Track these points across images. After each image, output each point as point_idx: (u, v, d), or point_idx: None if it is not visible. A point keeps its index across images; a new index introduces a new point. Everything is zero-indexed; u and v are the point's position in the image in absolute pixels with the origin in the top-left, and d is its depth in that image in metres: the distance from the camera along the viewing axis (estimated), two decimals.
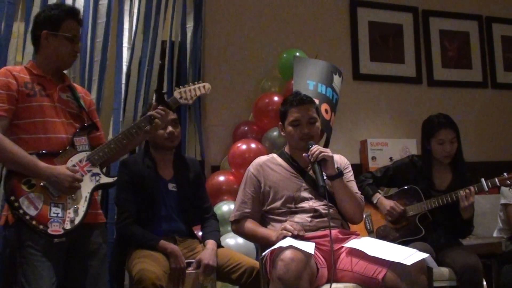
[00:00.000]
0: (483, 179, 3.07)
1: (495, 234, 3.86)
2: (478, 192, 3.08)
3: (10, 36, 3.58)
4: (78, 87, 2.76)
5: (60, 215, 2.33)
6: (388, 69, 4.93)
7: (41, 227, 2.28)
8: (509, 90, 5.30)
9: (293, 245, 2.26)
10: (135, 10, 3.95)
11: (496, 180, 3.06)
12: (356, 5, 4.89)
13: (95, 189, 2.50)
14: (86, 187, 2.45)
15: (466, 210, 3.07)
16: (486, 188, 3.05)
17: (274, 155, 2.88)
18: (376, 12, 4.95)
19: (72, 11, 2.56)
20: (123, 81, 3.83)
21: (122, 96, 3.84)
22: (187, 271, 2.80)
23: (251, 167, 2.82)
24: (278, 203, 2.69)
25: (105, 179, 2.53)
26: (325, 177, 2.58)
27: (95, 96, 3.71)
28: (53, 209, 2.33)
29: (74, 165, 2.44)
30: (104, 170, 2.59)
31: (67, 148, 2.46)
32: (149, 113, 2.64)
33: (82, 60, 3.72)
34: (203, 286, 2.81)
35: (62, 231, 2.31)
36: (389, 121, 4.88)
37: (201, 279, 2.78)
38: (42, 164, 2.34)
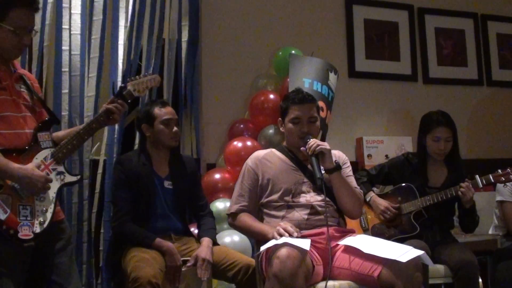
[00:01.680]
0: (477, 176, 3.08)
1: (490, 231, 3.87)
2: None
3: None
4: (26, 73, 2.57)
5: (29, 217, 2.22)
6: (383, 66, 4.93)
7: (11, 231, 2.16)
8: (504, 88, 5.32)
9: (289, 242, 2.26)
10: (130, 7, 3.94)
11: (491, 176, 3.07)
12: (352, 3, 4.88)
13: (61, 188, 2.40)
14: (53, 186, 2.34)
15: (468, 201, 3.08)
16: (481, 185, 3.07)
17: (273, 149, 2.88)
18: (371, 10, 4.95)
19: (22, 0, 2.27)
20: (119, 78, 3.82)
21: None
22: (183, 269, 2.80)
23: (249, 161, 2.83)
24: (275, 196, 2.69)
25: (69, 178, 2.43)
26: (323, 171, 2.58)
27: (93, 93, 3.70)
28: (22, 212, 2.22)
29: (39, 164, 2.32)
30: (67, 166, 2.49)
31: (31, 144, 2.33)
32: (105, 106, 2.51)
33: (80, 57, 3.71)
34: (201, 281, 2.81)
35: (32, 235, 2.21)
36: (384, 119, 4.89)
37: (200, 273, 2.76)
38: (13, 164, 2.21)
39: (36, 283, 2.40)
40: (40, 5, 2.47)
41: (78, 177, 2.52)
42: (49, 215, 2.30)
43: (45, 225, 2.27)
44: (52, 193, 2.34)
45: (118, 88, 2.61)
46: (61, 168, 2.40)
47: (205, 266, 2.78)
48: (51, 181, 2.31)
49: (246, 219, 2.70)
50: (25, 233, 2.20)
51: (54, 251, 2.41)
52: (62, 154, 2.40)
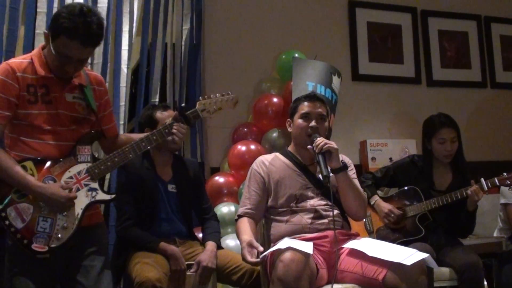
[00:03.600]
0: (482, 179, 3.08)
1: (495, 234, 3.86)
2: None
3: (15, 41, 3.51)
4: (92, 75, 2.49)
5: (47, 230, 2.18)
6: (387, 69, 4.93)
7: (25, 241, 2.15)
8: (508, 90, 5.31)
9: (292, 246, 2.26)
10: (135, 12, 3.96)
11: (496, 180, 3.07)
12: (355, 6, 4.89)
13: (89, 205, 2.31)
14: (80, 203, 2.27)
15: (474, 203, 3.07)
16: (486, 188, 3.06)
17: (277, 154, 2.88)
18: (374, 13, 4.95)
19: (74, 31, 2.15)
20: (122, 84, 3.83)
21: (124, 98, 3.84)
22: (187, 273, 2.79)
23: (254, 165, 2.83)
24: (280, 201, 2.70)
25: (102, 196, 2.35)
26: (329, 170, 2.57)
27: None
28: (41, 223, 2.18)
29: (71, 177, 2.28)
30: (104, 184, 2.43)
31: (67, 157, 2.29)
32: (166, 127, 2.45)
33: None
34: (205, 286, 2.81)
35: (46, 248, 2.17)
36: (388, 122, 4.88)
37: (199, 280, 2.77)
38: (32, 182, 2.17)
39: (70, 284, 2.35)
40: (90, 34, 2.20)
41: (113, 196, 2.43)
42: (70, 231, 2.24)
43: (62, 241, 2.21)
44: (78, 209, 2.27)
45: (179, 108, 2.51)
46: (94, 185, 2.32)
47: (206, 275, 2.78)
48: (74, 198, 2.24)
49: (240, 225, 2.67)
50: (39, 245, 2.16)
51: (85, 254, 2.34)
52: (99, 170, 2.34)
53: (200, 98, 2.56)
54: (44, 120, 2.26)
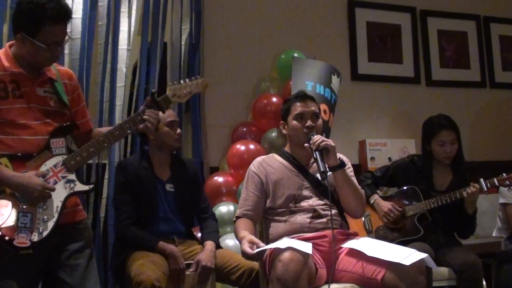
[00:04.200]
0: (482, 179, 3.08)
1: (494, 234, 3.86)
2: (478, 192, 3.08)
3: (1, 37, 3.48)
4: (62, 70, 2.47)
5: (28, 225, 2.15)
6: (386, 69, 4.93)
7: (7, 238, 2.10)
8: (507, 90, 5.31)
9: (291, 246, 2.26)
10: (133, 12, 3.96)
11: (495, 180, 3.07)
12: (354, 6, 4.89)
13: (68, 197, 2.27)
14: (59, 195, 2.24)
15: (472, 204, 3.07)
16: (485, 188, 3.06)
17: (274, 155, 2.88)
18: (374, 13, 4.95)
19: (57, 15, 2.19)
20: (120, 83, 3.83)
21: (122, 98, 3.84)
22: (186, 273, 2.79)
23: (252, 166, 2.82)
24: (278, 202, 2.69)
25: (80, 187, 2.30)
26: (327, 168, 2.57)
27: (98, 99, 3.71)
28: (21, 219, 2.15)
29: (47, 170, 2.25)
30: (80, 174, 2.39)
31: (42, 151, 2.26)
32: (138, 114, 2.41)
33: (83, 62, 3.72)
34: (204, 286, 2.81)
35: (28, 243, 2.13)
36: (387, 122, 4.89)
37: (198, 280, 2.77)
38: (7, 172, 2.15)
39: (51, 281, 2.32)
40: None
41: (91, 186, 2.39)
42: (51, 224, 2.20)
43: (44, 234, 2.18)
44: (57, 201, 2.24)
45: (150, 93, 2.47)
46: (72, 176, 2.30)
47: (205, 274, 2.78)
48: (51, 189, 2.21)
49: (239, 225, 2.66)
50: (21, 240, 2.13)
51: (69, 252, 2.31)
52: (75, 161, 2.31)
53: (170, 83, 2.55)
54: (17, 114, 2.23)
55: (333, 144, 2.59)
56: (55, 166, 2.27)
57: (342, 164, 2.62)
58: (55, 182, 2.25)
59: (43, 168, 2.25)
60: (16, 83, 2.26)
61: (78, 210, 2.43)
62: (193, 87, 2.56)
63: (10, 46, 2.32)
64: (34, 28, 2.19)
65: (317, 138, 2.59)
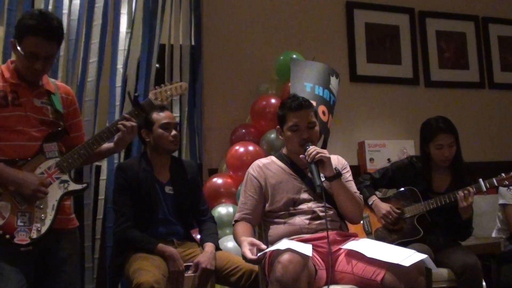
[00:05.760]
0: (481, 180, 3.07)
1: (493, 235, 3.86)
2: (477, 193, 3.08)
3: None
4: (61, 86, 2.65)
5: (27, 224, 2.31)
6: (385, 70, 4.93)
7: (7, 236, 2.26)
8: (506, 90, 5.31)
9: (291, 247, 2.26)
10: (132, 13, 3.96)
11: (494, 180, 3.06)
12: (353, 7, 4.90)
13: (63, 196, 2.44)
14: (54, 195, 2.41)
15: (465, 210, 3.07)
16: (484, 189, 3.05)
17: (273, 158, 2.87)
18: (372, 14, 4.96)
19: (36, 28, 2.33)
20: (118, 84, 3.83)
21: (120, 99, 3.84)
22: (186, 275, 2.79)
23: (251, 169, 2.82)
24: (278, 205, 2.69)
25: (73, 186, 2.47)
26: (323, 179, 2.57)
27: (93, 97, 3.71)
28: (20, 218, 2.31)
29: (42, 173, 2.40)
30: (73, 176, 2.56)
31: (36, 155, 2.41)
32: (113, 124, 2.57)
33: (78, 61, 3.73)
34: None
35: (28, 240, 2.29)
36: (386, 123, 4.89)
37: (198, 282, 2.76)
38: (7, 168, 2.31)
39: None
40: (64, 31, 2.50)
41: (84, 185, 2.55)
42: (48, 221, 2.36)
43: (42, 232, 2.33)
44: (53, 200, 2.39)
45: (133, 97, 2.63)
46: (65, 177, 2.46)
47: (205, 276, 2.78)
48: (46, 185, 2.36)
49: (238, 229, 2.66)
50: (21, 238, 2.28)
51: (57, 260, 2.46)
52: (67, 163, 2.46)
53: (152, 88, 2.74)
54: (15, 121, 2.39)
55: (328, 155, 2.58)
56: (49, 168, 2.43)
57: (337, 175, 2.62)
58: (50, 183, 2.41)
59: (38, 171, 2.40)
60: (15, 93, 2.42)
61: (71, 218, 2.59)
62: (173, 90, 2.72)
63: (11, 62, 2.51)
64: (19, 35, 2.37)
65: (312, 150, 2.57)
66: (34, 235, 2.31)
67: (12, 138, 2.37)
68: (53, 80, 2.63)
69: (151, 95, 2.65)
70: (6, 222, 2.27)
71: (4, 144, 2.36)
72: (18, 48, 2.37)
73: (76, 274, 2.58)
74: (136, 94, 2.66)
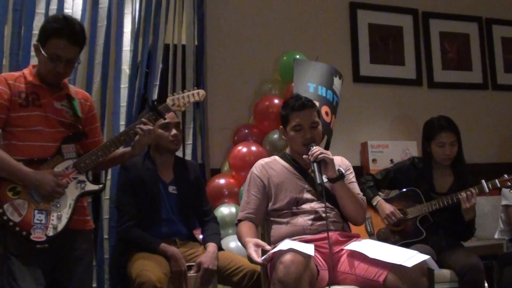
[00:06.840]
0: (483, 181, 3.07)
1: (496, 236, 3.86)
2: (479, 194, 3.08)
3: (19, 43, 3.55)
4: (79, 92, 2.76)
5: (43, 221, 2.37)
6: (388, 71, 4.93)
7: (24, 233, 2.32)
8: (509, 92, 5.30)
9: (293, 247, 2.26)
10: (136, 13, 3.96)
11: (497, 181, 3.06)
12: (356, 7, 4.89)
13: (80, 196, 2.52)
14: (71, 194, 2.48)
15: (468, 211, 3.07)
16: (487, 190, 3.06)
17: (276, 157, 2.88)
18: (376, 14, 4.95)
19: (60, 31, 2.44)
20: (122, 85, 3.83)
21: (126, 100, 3.83)
22: (189, 275, 2.79)
23: (254, 169, 2.82)
24: (280, 204, 2.70)
25: (90, 187, 2.55)
26: (325, 180, 2.58)
27: (98, 98, 3.71)
28: (37, 216, 2.37)
29: (59, 173, 2.47)
30: (90, 177, 2.64)
31: (54, 156, 2.49)
32: (130, 127, 2.64)
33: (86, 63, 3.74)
34: None
35: (44, 238, 2.35)
36: (389, 123, 4.88)
37: (200, 282, 2.77)
38: (26, 168, 2.38)
39: None
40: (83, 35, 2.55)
41: (100, 186, 2.65)
42: (64, 220, 2.43)
43: (58, 230, 2.40)
44: (70, 200, 2.47)
45: (150, 102, 2.67)
46: (82, 177, 2.54)
47: (207, 276, 2.78)
48: (63, 186, 2.44)
49: (242, 228, 2.67)
50: (37, 235, 2.34)
51: (71, 257, 2.53)
52: (84, 164, 2.54)
53: (169, 94, 2.80)
54: (34, 121, 2.48)
55: (331, 156, 2.59)
56: (66, 168, 2.51)
57: (340, 176, 2.63)
58: (67, 183, 2.48)
59: (55, 170, 2.47)
60: (36, 94, 2.52)
61: (87, 220, 2.67)
62: (190, 97, 2.79)
63: (33, 67, 2.61)
64: (43, 39, 2.47)
65: (315, 150, 2.58)
66: (50, 232, 2.37)
67: (32, 138, 2.45)
68: (72, 86, 2.73)
69: (168, 101, 2.72)
70: (23, 219, 2.33)
71: (23, 144, 2.45)
72: (42, 51, 2.45)
73: (88, 275, 2.66)
74: (153, 99, 2.70)
